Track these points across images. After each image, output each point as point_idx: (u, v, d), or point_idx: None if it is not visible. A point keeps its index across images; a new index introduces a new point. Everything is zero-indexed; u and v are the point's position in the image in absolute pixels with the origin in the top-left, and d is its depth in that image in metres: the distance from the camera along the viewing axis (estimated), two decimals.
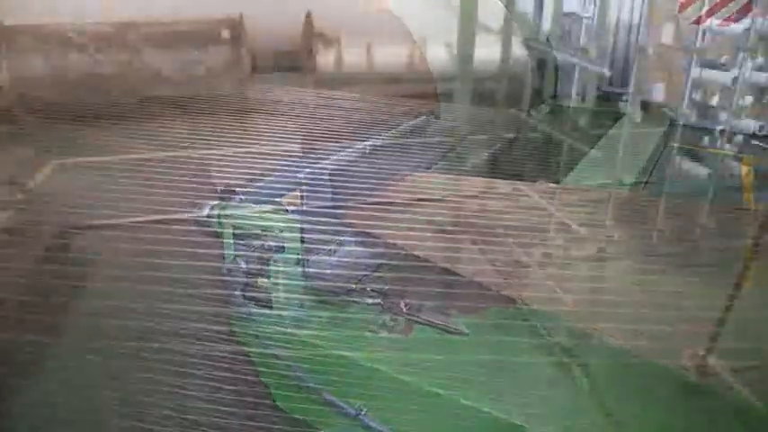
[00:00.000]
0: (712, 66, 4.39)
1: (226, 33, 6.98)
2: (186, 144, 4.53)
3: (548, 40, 4.84)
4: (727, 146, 4.19)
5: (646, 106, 6.76)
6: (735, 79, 4.01)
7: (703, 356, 3.03)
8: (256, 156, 4.26)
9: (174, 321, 2.98)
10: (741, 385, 2.89)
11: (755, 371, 3.00)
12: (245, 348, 2.89)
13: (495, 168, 4.24)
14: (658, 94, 7.64)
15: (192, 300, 3.07)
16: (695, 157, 4.32)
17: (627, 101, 3.70)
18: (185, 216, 4.36)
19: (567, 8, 4.68)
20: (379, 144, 4.43)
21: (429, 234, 4.19)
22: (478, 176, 4.45)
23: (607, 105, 4.12)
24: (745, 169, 4.15)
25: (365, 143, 4.25)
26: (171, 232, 4.08)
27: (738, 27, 3.97)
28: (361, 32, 7.53)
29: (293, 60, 7.44)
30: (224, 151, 4.63)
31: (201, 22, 7.06)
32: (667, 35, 7.47)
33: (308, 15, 7.25)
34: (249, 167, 3.99)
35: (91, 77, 6.67)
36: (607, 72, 3.19)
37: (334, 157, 3.68)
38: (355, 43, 7.47)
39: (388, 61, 7.53)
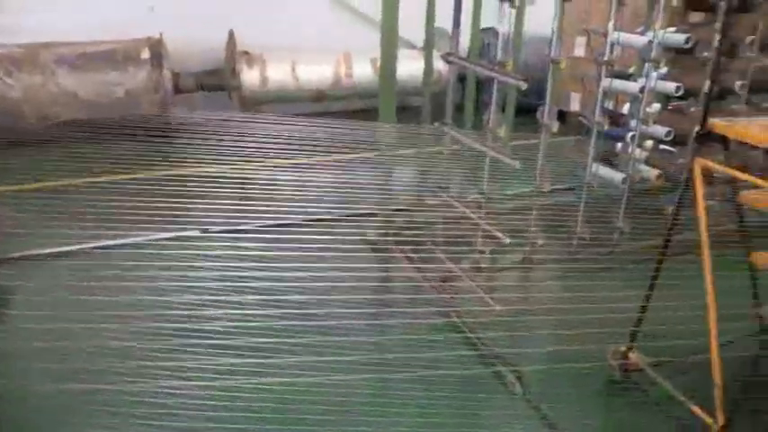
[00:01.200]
0: (621, 76, 4.62)
1: (146, 54, 6.78)
2: (107, 169, 4.37)
3: (469, 54, 4.98)
4: (638, 151, 4.41)
5: (563, 116, 7.06)
6: (642, 88, 4.24)
7: (626, 354, 3.18)
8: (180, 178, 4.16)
9: (102, 359, 2.85)
10: (663, 379, 3.04)
11: (674, 364, 3.18)
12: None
13: (423, 182, 4.33)
14: (575, 103, 8.02)
15: (122, 335, 2.95)
16: (610, 162, 4.54)
17: (543, 112, 3.84)
18: (108, 244, 4.21)
19: (484, 23, 4.81)
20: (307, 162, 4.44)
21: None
22: (408, 190, 4.53)
23: (526, 116, 4.28)
24: (655, 173, 4.40)
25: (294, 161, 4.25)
26: (93, 262, 3.92)
27: (643, 39, 4.20)
28: (286, 50, 7.50)
29: (218, 80, 7.32)
30: (146, 175, 4.49)
31: (120, 43, 6.84)
32: (580, 48, 7.88)
33: (231, 34, 7.16)
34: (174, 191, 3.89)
35: (1, 102, 6.33)
36: (523, 85, 3.29)
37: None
38: (280, 61, 7.43)
39: (314, 78, 7.53)
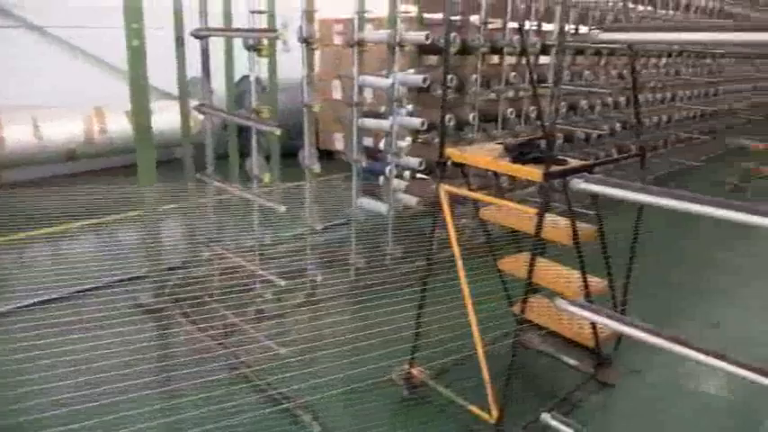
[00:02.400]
0: (375, 115, 5.00)
1: None
2: None
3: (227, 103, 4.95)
4: (396, 181, 4.80)
5: (329, 155, 7.41)
6: (392, 126, 4.63)
7: (409, 371, 3.39)
8: None
9: None
10: (443, 387, 3.30)
11: (452, 371, 3.47)
12: None
13: (192, 236, 4.18)
14: (339, 143, 8.48)
15: None
16: (374, 195, 4.87)
17: (303, 154, 3.99)
18: None
19: (239, 71, 4.82)
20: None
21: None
22: (178, 247, 4.33)
23: (295, 159, 4.39)
24: (414, 200, 4.82)
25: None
26: None
27: (386, 81, 4.60)
28: (25, 107, 6.73)
29: None
30: None
31: None
32: (337, 91, 8.39)
33: None
34: None
35: None
36: (277, 131, 3.38)
37: None
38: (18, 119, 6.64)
39: (62, 137, 6.86)
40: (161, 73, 4.50)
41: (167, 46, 4.14)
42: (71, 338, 2.97)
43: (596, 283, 3.30)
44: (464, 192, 3.16)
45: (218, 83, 4.36)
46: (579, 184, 2.18)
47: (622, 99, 7.23)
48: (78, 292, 3.99)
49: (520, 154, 2.95)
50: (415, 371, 3.38)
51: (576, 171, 2.82)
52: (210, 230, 3.97)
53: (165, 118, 6.14)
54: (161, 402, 3.19)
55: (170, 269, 4.23)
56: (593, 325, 3.36)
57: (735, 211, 1.81)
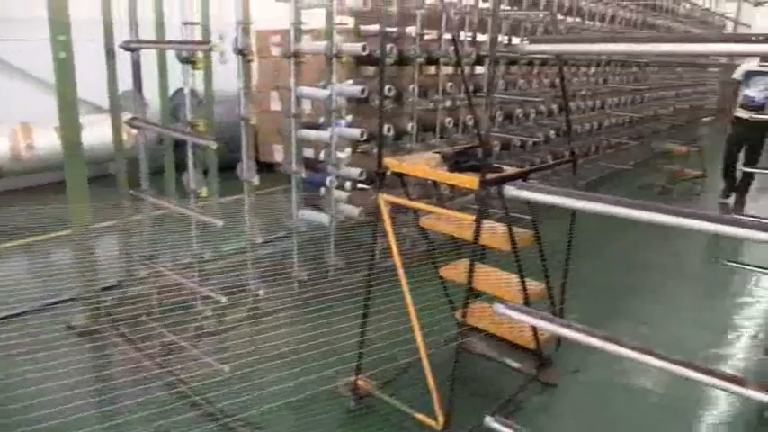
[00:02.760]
0: (314, 126, 4.99)
1: None
2: None
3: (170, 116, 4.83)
4: (337, 192, 4.80)
5: (269, 168, 7.34)
6: (331, 137, 4.64)
7: (355, 382, 3.38)
8: None
9: None
10: (389, 397, 3.31)
11: (399, 380, 3.49)
12: None
13: (128, 254, 4.05)
14: (279, 155, 8.40)
15: None
16: (315, 206, 4.85)
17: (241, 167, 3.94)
18: None
19: (174, 84, 4.72)
20: None
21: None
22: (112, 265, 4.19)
23: (231, 173, 4.33)
24: (356, 210, 4.83)
25: None
26: None
27: (324, 92, 4.61)
28: None
29: None
30: None
31: None
32: (277, 102, 8.33)
33: None
34: None
35: None
36: (213, 145, 3.33)
37: None
38: None
39: None
40: (92, 86, 4.36)
41: (99, 58, 4.02)
42: None
43: (534, 286, 3.39)
44: (403, 201, 3.20)
45: (153, 96, 4.25)
46: (512, 191, 2.24)
47: (555, 107, 7.49)
48: (3, 318, 3.81)
49: (456, 162, 3.00)
50: (361, 381, 3.38)
51: (511, 178, 2.89)
52: (147, 247, 3.86)
53: (96, 133, 5.94)
54: (97, 424, 3.08)
55: (105, 289, 4.08)
56: (534, 327, 3.44)
57: (659, 214, 1.90)
